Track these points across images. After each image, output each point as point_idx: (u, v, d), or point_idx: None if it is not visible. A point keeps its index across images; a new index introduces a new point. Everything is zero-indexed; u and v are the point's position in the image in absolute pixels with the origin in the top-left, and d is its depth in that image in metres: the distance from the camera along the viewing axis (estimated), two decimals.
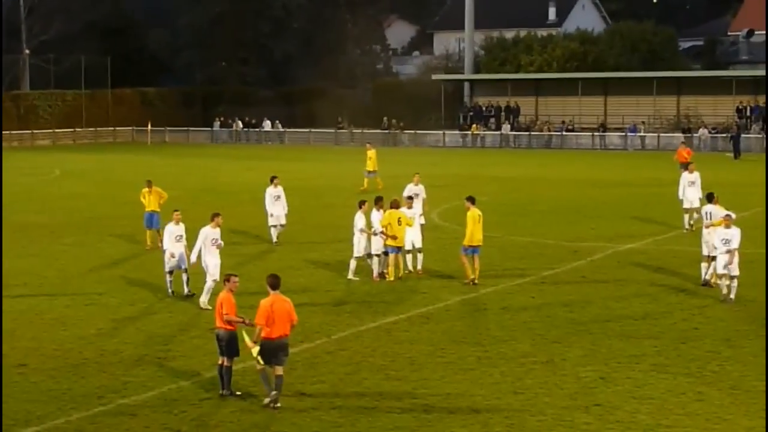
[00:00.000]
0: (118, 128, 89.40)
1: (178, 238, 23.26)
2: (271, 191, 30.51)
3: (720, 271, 22.56)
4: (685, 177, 33.19)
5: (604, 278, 25.44)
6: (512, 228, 34.03)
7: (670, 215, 36.57)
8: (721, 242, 22.42)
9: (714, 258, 23.21)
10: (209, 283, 22.13)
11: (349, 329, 20.34)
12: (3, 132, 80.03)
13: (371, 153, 46.38)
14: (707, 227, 24.07)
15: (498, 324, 20.78)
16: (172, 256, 23.24)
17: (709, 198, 25.29)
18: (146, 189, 30.41)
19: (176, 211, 23.80)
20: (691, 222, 32.31)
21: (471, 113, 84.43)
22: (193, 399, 15.97)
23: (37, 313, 21.88)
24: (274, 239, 30.51)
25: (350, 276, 25.03)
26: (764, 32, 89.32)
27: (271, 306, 15.44)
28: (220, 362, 16.12)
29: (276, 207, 30.39)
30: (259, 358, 15.53)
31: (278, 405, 15.45)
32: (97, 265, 27.60)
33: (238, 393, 16.00)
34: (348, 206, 40.45)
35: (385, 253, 25.04)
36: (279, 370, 15.53)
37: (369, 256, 25.22)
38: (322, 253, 29.04)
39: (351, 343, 19.34)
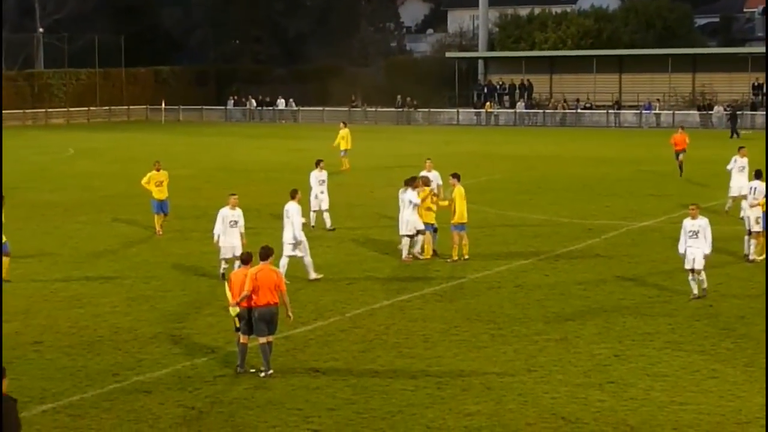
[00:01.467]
0: (131, 107, 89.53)
1: (232, 224, 22.21)
2: (316, 175, 29.09)
3: (688, 266, 20.74)
4: (737, 162, 31.16)
5: (618, 256, 25.40)
6: (526, 206, 33.98)
7: (684, 193, 36.48)
8: (689, 235, 20.63)
9: (751, 234, 24.28)
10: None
11: (363, 307, 20.37)
12: (17, 110, 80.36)
13: (344, 132, 45.48)
14: (752, 205, 24.40)
15: (512, 302, 20.78)
16: (219, 243, 22.20)
17: (758, 174, 25.22)
18: (154, 171, 29.13)
19: (233, 195, 22.69)
20: (727, 209, 31.01)
21: (485, 91, 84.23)
22: (208, 376, 16.03)
23: (51, 291, 21.98)
24: (312, 222, 28.92)
25: (410, 254, 24.84)
26: None
27: (256, 275, 15.90)
28: (238, 339, 16.28)
29: (320, 192, 28.93)
30: (236, 319, 16.08)
31: (271, 372, 15.89)
32: (111, 244, 27.69)
33: (253, 370, 16.08)
34: (360, 185, 40.52)
35: (413, 235, 24.75)
36: (270, 338, 16.11)
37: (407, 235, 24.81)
38: (335, 232, 29.04)
39: (365, 320, 19.37)
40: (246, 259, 16.47)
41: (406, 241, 24.77)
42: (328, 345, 17.68)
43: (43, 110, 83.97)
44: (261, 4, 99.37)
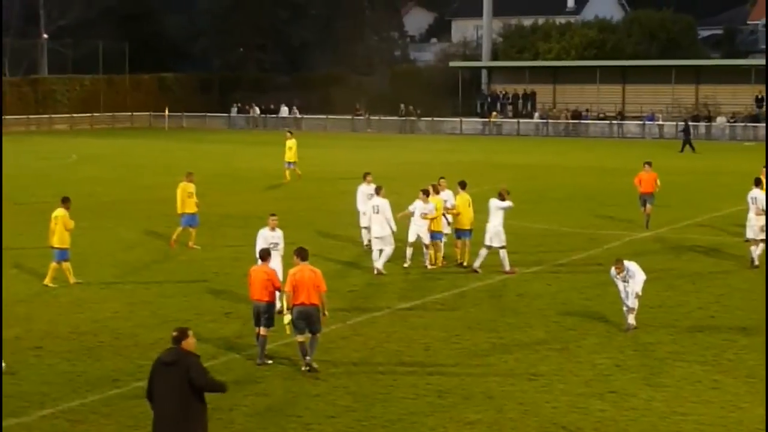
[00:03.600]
0: (135, 113, 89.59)
1: (272, 246, 19.96)
2: (364, 189, 26.84)
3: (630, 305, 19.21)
4: None
5: None
6: (529, 215, 33.91)
7: (687, 204, 36.47)
8: (620, 282, 19.17)
9: (758, 242, 24.65)
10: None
11: (365, 314, 20.34)
12: (21, 116, 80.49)
13: (291, 143, 44.06)
14: (758, 214, 24.65)
15: (513, 311, 20.75)
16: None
17: (757, 182, 25.41)
18: (185, 182, 27.80)
19: (273, 215, 20.81)
20: None
21: (488, 100, 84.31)
22: None
23: (53, 296, 21.95)
24: (365, 241, 26.85)
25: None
26: None
27: (295, 275, 16.43)
28: (257, 332, 16.98)
29: (368, 205, 25.91)
30: (288, 326, 16.82)
31: (315, 366, 16.43)
32: (112, 249, 27.66)
33: (270, 361, 16.83)
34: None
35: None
36: (311, 337, 16.54)
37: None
38: (337, 240, 29.02)
39: (366, 328, 19.34)
40: (263, 255, 17.41)
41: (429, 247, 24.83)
42: (329, 352, 17.63)
43: (47, 116, 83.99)
44: (265, 12, 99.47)
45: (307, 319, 16.43)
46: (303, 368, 16.49)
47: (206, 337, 18.65)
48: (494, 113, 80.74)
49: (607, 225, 31.93)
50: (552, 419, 14.43)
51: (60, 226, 22.94)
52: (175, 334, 11.44)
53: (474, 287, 22.93)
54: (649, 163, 31.92)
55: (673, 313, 20.53)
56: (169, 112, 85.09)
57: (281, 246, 20.47)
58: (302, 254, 16.79)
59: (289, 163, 44.35)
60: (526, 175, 47.22)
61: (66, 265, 22.98)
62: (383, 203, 24.04)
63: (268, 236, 20.51)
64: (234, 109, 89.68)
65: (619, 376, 16.38)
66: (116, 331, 19.10)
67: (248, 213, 33.77)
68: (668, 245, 28.28)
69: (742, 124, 72.17)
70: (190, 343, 11.38)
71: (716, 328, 19.38)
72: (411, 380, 16.18)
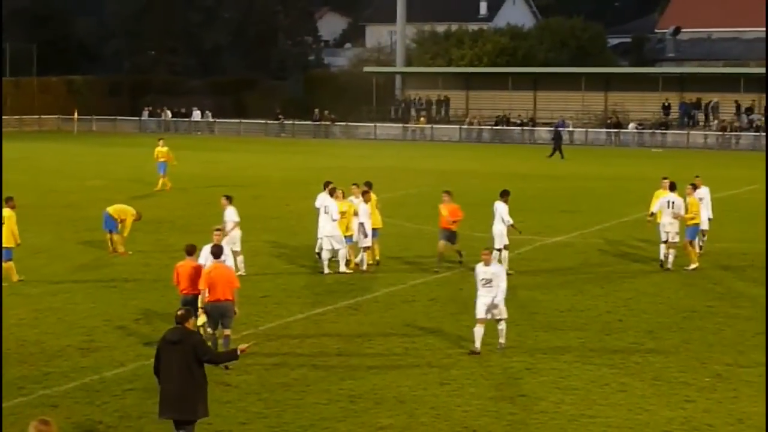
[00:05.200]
0: (43, 116, 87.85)
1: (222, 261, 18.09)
2: (323, 198, 25.44)
3: (480, 315, 17.92)
4: (696, 194, 26.71)
5: (531, 271, 25.63)
6: None
7: (596, 209, 37.05)
8: (481, 283, 17.94)
9: (669, 243, 25.44)
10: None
11: (277, 320, 20.24)
12: None
13: (162, 150, 42.88)
14: (676, 217, 25.40)
15: (426, 315, 20.83)
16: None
17: (672, 187, 25.99)
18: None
19: (217, 230, 19.58)
20: (701, 243, 27.37)
21: (402, 106, 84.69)
22: (116, 390, 15.75)
23: None
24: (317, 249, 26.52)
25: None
26: (691, 30, 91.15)
27: (210, 272, 16.99)
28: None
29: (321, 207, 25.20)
30: (202, 327, 16.86)
31: (230, 367, 16.43)
32: (19, 255, 26.94)
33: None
34: (276, 198, 40.25)
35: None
36: (226, 332, 17.10)
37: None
38: (250, 245, 28.78)
39: (278, 333, 19.24)
40: (189, 250, 17.89)
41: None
42: (241, 358, 17.38)
43: None
44: (177, 15, 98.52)
45: (223, 315, 16.96)
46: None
47: (114, 344, 18.38)
48: (422, 118, 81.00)
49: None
50: (463, 423, 14.52)
51: (8, 226, 23.16)
52: (180, 313, 12.49)
53: (387, 292, 22.97)
54: (448, 192, 26.48)
55: (582, 316, 20.83)
56: (78, 115, 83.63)
57: (229, 262, 18.58)
58: (216, 252, 17.48)
59: (162, 167, 42.72)
60: (440, 181, 47.44)
61: (9, 264, 23.21)
62: (333, 204, 24.69)
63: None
64: (145, 113, 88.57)
65: (530, 380, 16.55)
66: (21, 338, 18.70)
67: (160, 218, 33.39)
68: (578, 250, 28.69)
69: (650, 131, 73.66)
70: (192, 323, 12.55)
71: (624, 331, 19.71)
72: (323, 386, 16.14)
